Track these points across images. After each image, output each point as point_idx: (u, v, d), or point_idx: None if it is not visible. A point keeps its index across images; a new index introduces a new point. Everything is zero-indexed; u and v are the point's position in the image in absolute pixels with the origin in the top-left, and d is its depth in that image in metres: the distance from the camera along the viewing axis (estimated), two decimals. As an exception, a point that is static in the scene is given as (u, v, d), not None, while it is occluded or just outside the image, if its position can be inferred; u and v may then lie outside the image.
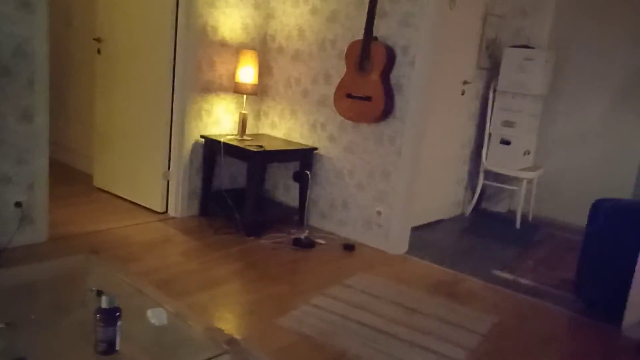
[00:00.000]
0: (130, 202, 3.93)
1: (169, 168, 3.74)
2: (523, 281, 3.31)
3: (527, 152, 4.60)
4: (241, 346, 1.53)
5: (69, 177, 4.44)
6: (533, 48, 4.40)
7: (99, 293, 1.59)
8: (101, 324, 1.36)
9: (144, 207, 3.85)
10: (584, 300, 3.02)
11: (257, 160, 3.47)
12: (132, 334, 1.47)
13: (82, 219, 3.49)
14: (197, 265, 3.00)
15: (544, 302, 3.02)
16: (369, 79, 3.40)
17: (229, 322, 2.42)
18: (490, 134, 4.60)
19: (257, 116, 4.21)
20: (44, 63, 2.85)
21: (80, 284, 1.83)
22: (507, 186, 4.66)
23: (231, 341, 1.50)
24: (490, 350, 2.43)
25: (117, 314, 1.38)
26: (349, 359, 2.20)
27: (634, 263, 2.66)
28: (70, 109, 4.72)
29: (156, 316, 1.55)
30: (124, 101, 3.87)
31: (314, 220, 3.93)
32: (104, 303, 1.36)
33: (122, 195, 3.99)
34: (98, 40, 3.97)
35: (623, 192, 4.49)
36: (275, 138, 4.02)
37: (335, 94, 3.58)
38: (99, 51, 3.99)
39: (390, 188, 3.50)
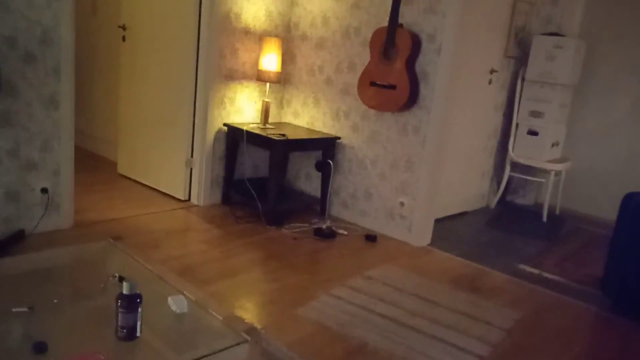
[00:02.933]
0: (154, 189, 3.97)
1: (192, 156, 3.76)
2: (548, 276, 3.23)
3: (555, 144, 4.48)
4: (261, 335, 1.52)
5: (94, 165, 4.49)
6: (563, 36, 4.27)
7: (121, 279, 1.60)
8: (122, 310, 1.36)
9: (167, 195, 3.88)
10: (611, 297, 2.93)
11: (280, 149, 3.46)
12: (152, 320, 1.47)
13: (106, 205, 3.53)
14: (218, 253, 3.01)
15: (569, 298, 2.95)
16: (393, 67, 3.34)
17: (249, 311, 2.42)
18: (517, 125, 4.50)
19: (280, 104, 4.18)
20: (69, 50, 2.86)
21: (102, 270, 1.84)
22: (534, 178, 4.56)
23: (251, 330, 1.49)
24: (512, 345, 2.37)
25: (138, 300, 1.38)
26: (369, 351, 2.18)
27: (667, 259, 2.57)
28: (95, 96, 4.77)
29: (177, 303, 1.55)
30: (148, 89, 3.89)
31: (335, 210, 3.90)
32: (125, 289, 1.36)
33: (145, 183, 4.03)
34: (123, 27, 3.99)
35: (655, 186, 4.35)
36: (297, 127, 3.99)
37: (359, 82, 3.53)
38: (123, 39, 4.01)
39: (414, 179, 3.45)
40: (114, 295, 1.40)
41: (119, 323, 1.36)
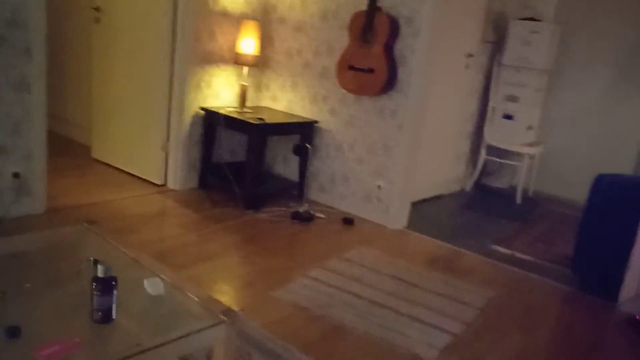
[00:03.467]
0: (129, 174, 3.92)
1: (168, 140, 3.72)
2: (521, 256, 3.31)
3: (530, 127, 4.56)
4: (238, 317, 1.53)
5: (67, 149, 4.42)
6: (539, 21, 4.32)
7: (96, 262, 1.58)
8: (97, 293, 1.35)
9: (143, 179, 3.84)
10: (581, 275, 3.02)
11: (257, 132, 3.44)
12: (128, 303, 1.47)
13: (80, 191, 3.49)
14: (195, 237, 3.00)
15: (541, 277, 3.03)
16: (372, 50, 3.34)
17: (226, 294, 2.43)
18: (493, 109, 4.55)
19: (258, 88, 4.16)
20: (40, 32, 2.79)
21: (77, 254, 1.82)
22: (508, 161, 4.63)
23: (228, 312, 1.50)
24: (485, 323, 2.44)
25: (114, 283, 1.37)
26: (346, 331, 2.22)
27: (632, 238, 2.65)
28: (68, 79, 4.67)
29: (153, 286, 1.55)
30: (123, 72, 3.82)
31: (313, 194, 3.92)
32: (100, 272, 1.36)
33: (120, 167, 3.98)
34: (97, 9, 3.90)
35: (625, 167, 4.47)
36: (275, 111, 3.98)
37: (337, 65, 3.52)
38: (97, 20, 3.92)
39: (391, 162, 3.48)
40: (89, 279, 1.39)
41: (94, 306, 1.36)
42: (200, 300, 1.56)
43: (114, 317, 1.39)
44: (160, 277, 1.60)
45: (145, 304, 1.52)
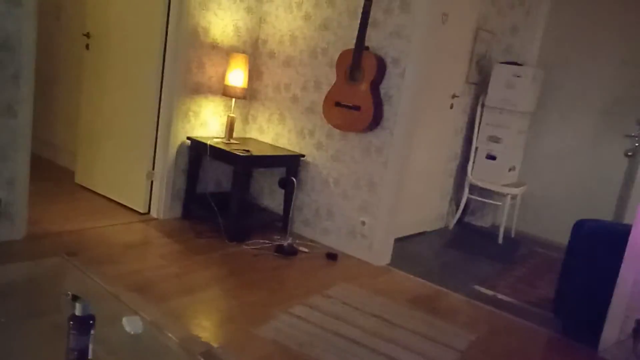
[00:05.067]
0: (113, 201, 3.88)
1: (153, 168, 3.70)
2: (503, 298, 3.32)
3: (512, 168, 4.63)
4: (218, 357, 1.50)
5: (51, 174, 4.37)
6: (522, 65, 4.44)
7: (74, 298, 1.55)
8: (74, 332, 1.32)
9: (126, 207, 3.80)
10: (563, 319, 3.04)
11: (243, 164, 3.45)
12: (106, 341, 1.44)
13: (61, 217, 3.43)
14: (177, 269, 2.96)
15: (523, 320, 3.04)
16: (358, 88, 3.40)
17: (206, 330, 2.39)
18: (477, 148, 4.63)
19: (245, 120, 4.18)
20: (30, 57, 2.80)
21: (55, 287, 1.78)
22: (491, 201, 4.69)
23: (207, 353, 1.48)
24: (467, 367, 2.42)
25: (91, 322, 1.34)
26: (326, 372, 2.19)
27: (613, 284, 2.68)
28: (56, 104, 4.65)
29: (131, 324, 1.52)
30: (111, 98, 3.82)
31: (298, 227, 3.91)
32: (78, 310, 1.33)
33: (104, 194, 3.94)
34: (87, 35, 3.92)
35: (605, 211, 4.55)
36: (262, 143, 4.00)
37: (324, 101, 3.57)
38: (87, 47, 3.94)
39: (376, 198, 3.50)
40: (66, 314, 1.36)
41: (70, 345, 1.32)
42: (179, 339, 1.53)
43: (90, 357, 1.35)
44: (139, 315, 1.57)
45: (124, 342, 1.49)
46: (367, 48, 3.42)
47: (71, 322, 1.32)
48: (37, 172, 4.04)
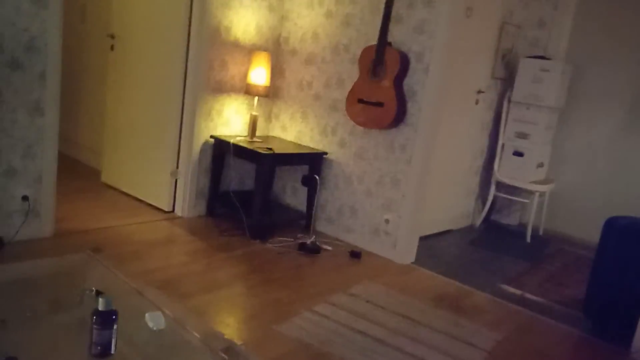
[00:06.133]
0: (138, 199, 3.93)
1: (177, 167, 3.73)
2: (531, 297, 3.24)
3: (540, 165, 4.53)
4: (239, 353, 1.50)
5: (77, 173, 4.44)
6: (549, 59, 4.34)
7: (98, 293, 1.57)
8: (97, 327, 1.33)
9: (151, 205, 3.84)
10: (593, 319, 2.95)
11: (266, 162, 3.45)
12: (129, 336, 1.45)
13: (88, 215, 3.49)
14: (201, 266, 2.97)
15: (551, 320, 2.96)
16: (381, 84, 3.36)
17: (229, 327, 2.39)
18: (503, 145, 4.54)
19: (268, 118, 4.18)
20: (56, 58, 2.84)
21: (80, 283, 1.80)
22: (518, 199, 4.59)
23: (229, 349, 1.47)
24: (494, 367, 2.37)
25: (114, 317, 1.35)
26: (350, 370, 2.16)
27: (647, 284, 2.59)
28: (82, 104, 4.74)
29: (154, 320, 1.52)
30: (135, 98, 3.86)
31: (321, 225, 3.89)
32: (101, 305, 1.34)
33: (129, 193, 3.99)
34: (112, 36, 3.97)
35: (635, 207, 4.41)
36: (285, 141, 3.99)
37: (347, 98, 3.54)
38: (112, 47, 3.99)
39: (400, 196, 3.46)
40: (90, 309, 1.37)
41: (93, 340, 1.33)
42: (202, 336, 1.53)
43: (112, 351, 1.36)
44: (162, 311, 1.58)
45: (146, 338, 1.50)
46: (390, 44, 3.38)
47: (94, 317, 1.33)
48: (64, 171, 4.12)
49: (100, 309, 1.33)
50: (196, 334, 1.53)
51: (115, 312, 1.35)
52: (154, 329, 1.51)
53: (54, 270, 1.88)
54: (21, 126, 2.79)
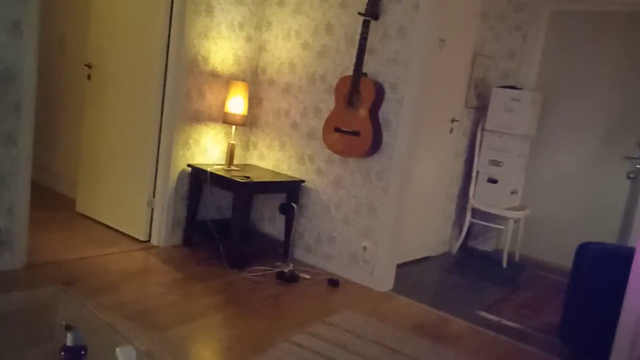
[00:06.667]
0: (113, 229, 3.87)
1: (154, 196, 3.70)
2: (508, 323, 3.27)
3: (514, 192, 4.61)
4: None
5: (52, 202, 4.37)
6: (520, 89, 4.47)
7: (67, 328, 1.53)
8: (66, 363, 1.30)
9: (127, 235, 3.79)
10: (569, 345, 2.98)
11: (244, 191, 3.45)
12: (99, 372, 1.42)
13: (62, 245, 3.42)
14: (177, 297, 2.93)
15: (529, 347, 2.98)
16: (357, 114, 3.41)
17: (205, 359, 2.35)
18: (477, 173, 4.62)
19: (246, 147, 4.20)
20: (31, 88, 2.83)
21: (51, 317, 1.77)
22: (494, 225, 4.65)
23: (203, 383, 1.45)
24: (472, 395, 2.36)
25: (83, 352, 1.32)
26: (327, 402, 2.14)
27: (619, 309, 2.63)
28: (58, 133, 4.69)
29: (125, 354, 1.49)
30: (112, 127, 3.85)
31: (299, 253, 3.88)
32: (69, 340, 1.31)
33: (105, 222, 3.93)
34: (89, 66, 3.97)
35: (609, 233, 4.50)
36: (262, 169, 4.00)
37: (324, 127, 3.58)
38: (89, 77, 3.99)
39: (377, 224, 3.48)
40: (60, 344, 1.34)
41: (62, 376, 1.30)
42: (175, 370, 1.50)
43: (82, 388, 1.33)
44: (133, 345, 1.55)
45: (117, 373, 1.46)
46: (365, 74, 3.45)
47: (62, 353, 1.30)
48: (38, 200, 4.06)
49: (68, 344, 1.31)
50: (169, 368, 1.50)
51: (84, 347, 1.33)
52: (126, 363, 1.48)
53: (24, 304, 1.83)
54: (-7, 156, 2.75)
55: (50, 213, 4.03)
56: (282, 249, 3.86)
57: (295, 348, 2.54)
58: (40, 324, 1.68)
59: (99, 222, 3.96)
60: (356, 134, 3.41)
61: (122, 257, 3.41)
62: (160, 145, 3.65)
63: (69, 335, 1.31)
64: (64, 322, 1.59)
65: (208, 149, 3.87)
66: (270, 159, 4.08)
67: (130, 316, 2.60)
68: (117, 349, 1.51)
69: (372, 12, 3.37)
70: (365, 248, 3.53)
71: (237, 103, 3.65)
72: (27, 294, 1.95)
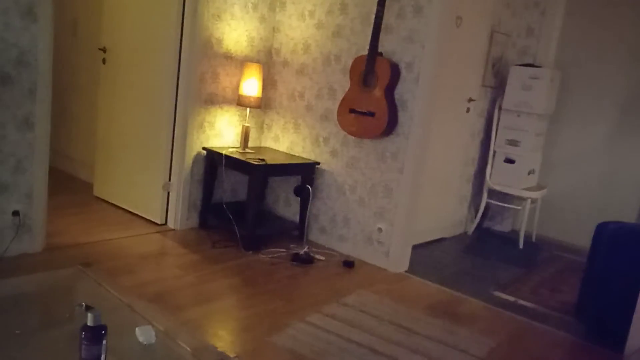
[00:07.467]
0: (130, 212, 3.91)
1: (169, 179, 3.73)
2: (524, 303, 3.25)
3: (531, 172, 4.55)
4: (231, 366, 1.49)
5: (69, 186, 4.43)
6: (539, 67, 4.38)
7: (87, 308, 1.56)
8: (86, 342, 1.32)
9: (143, 218, 3.83)
10: (586, 324, 2.95)
11: (259, 173, 3.45)
12: (119, 351, 1.44)
13: (80, 229, 3.47)
14: (193, 278, 2.96)
15: (545, 326, 2.96)
16: (372, 94, 3.38)
17: (222, 339, 2.38)
18: (494, 153, 4.56)
19: (260, 129, 4.19)
20: (46, 72, 2.84)
21: (70, 298, 1.79)
22: (510, 205, 4.61)
23: (220, 362, 1.47)
24: (489, 375, 2.37)
25: (103, 332, 1.34)
26: (344, 381, 2.15)
27: (638, 288, 2.60)
28: (74, 117, 4.73)
29: (144, 334, 1.51)
30: (127, 111, 3.86)
31: (314, 235, 3.89)
32: (90, 320, 1.33)
33: (121, 206, 3.97)
34: (103, 50, 3.98)
35: (627, 212, 4.43)
36: (277, 151, 4.00)
37: (338, 108, 3.56)
38: (104, 61, 4.00)
39: (392, 205, 3.47)
40: (80, 325, 1.36)
41: (82, 355, 1.32)
42: (193, 349, 1.52)
43: (102, 367, 1.35)
44: (152, 325, 1.57)
45: (136, 352, 1.49)
46: (381, 54, 3.41)
47: (83, 333, 1.32)
48: (56, 185, 4.11)
49: (89, 324, 1.32)
50: (187, 348, 1.52)
51: (104, 327, 1.34)
52: (145, 343, 1.51)
53: (44, 285, 1.86)
54: (10, 141, 2.78)
55: (67, 197, 4.08)
56: (297, 230, 3.87)
57: (311, 328, 2.56)
58: (60, 305, 1.71)
59: (115, 206, 4.00)
60: (371, 114, 3.38)
61: (139, 239, 3.45)
62: (176, 128, 3.66)
63: (89, 315, 1.32)
64: (83, 303, 1.62)
65: (223, 131, 3.87)
66: (284, 141, 4.07)
67: (148, 297, 2.64)
68: (137, 329, 1.53)
69: (386, -10, 3.31)
70: (380, 229, 3.52)
71: (251, 85, 3.64)
72: (47, 275, 1.98)
